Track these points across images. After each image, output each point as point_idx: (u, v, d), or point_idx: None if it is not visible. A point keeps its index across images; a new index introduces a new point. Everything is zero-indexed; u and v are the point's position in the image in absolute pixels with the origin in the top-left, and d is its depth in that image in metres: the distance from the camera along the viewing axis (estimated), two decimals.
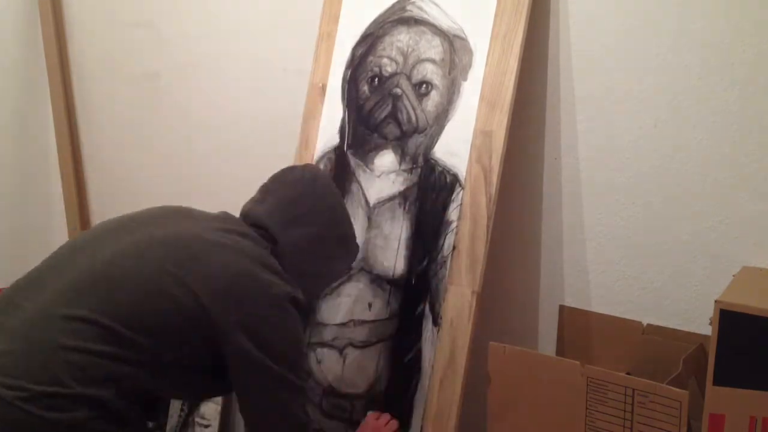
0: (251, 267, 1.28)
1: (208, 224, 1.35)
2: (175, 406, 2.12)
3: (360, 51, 1.71)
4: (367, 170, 1.68)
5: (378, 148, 1.66)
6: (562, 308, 1.60)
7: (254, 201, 1.46)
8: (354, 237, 1.51)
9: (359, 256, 1.66)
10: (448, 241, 1.56)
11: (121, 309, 1.21)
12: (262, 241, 1.36)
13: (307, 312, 1.46)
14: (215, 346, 1.25)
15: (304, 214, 1.41)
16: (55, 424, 1.14)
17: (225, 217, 1.41)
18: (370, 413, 1.59)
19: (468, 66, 1.58)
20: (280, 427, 1.31)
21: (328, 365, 1.67)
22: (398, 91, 1.65)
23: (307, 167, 1.55)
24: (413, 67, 1.64)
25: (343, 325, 1.67)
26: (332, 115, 1.74)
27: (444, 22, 1.62)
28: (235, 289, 1.25)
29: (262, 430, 1.32)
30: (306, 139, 1.77)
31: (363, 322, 1.64)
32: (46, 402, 1.14)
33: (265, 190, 1.47)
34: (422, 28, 1.64)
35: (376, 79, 1.68)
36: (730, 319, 1.13)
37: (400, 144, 1.64)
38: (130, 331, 1.19)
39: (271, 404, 1.29)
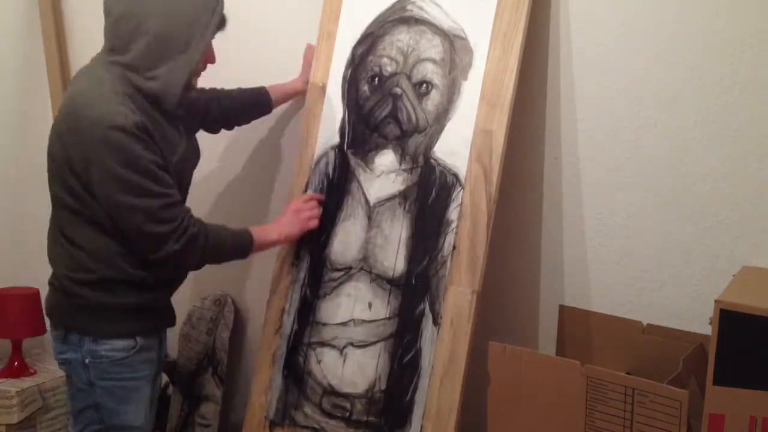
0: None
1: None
2: (175, 407, 2.12)
3: (360, 50, 1.71)
4: (367, 170, 1.67)
5: (378, 148, 1.66)
6: (562, 308, 1.60)
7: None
8: None
9: (359, 255, 1.65)
10: (448, 240, 1.56)
11: None
12: (117, 76, 1.46)
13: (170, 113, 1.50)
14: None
15: (136, 28, 1.45)
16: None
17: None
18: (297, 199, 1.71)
19: (468, 65, 1.58)
20: (144, 245, 1.46)
21: (328, 365, 1.67)
22: (398, 90, 1.65)
23: None
24: (413, 66, 1.64)
25: (343, 324, 1.67)
26: (332, 114, 1.73)
27: (444, 22, 1.62)
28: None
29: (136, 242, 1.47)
30: (306, 138, 1.77)
31: (363, 322, 1.64)
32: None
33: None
34: (422, 27, 1.64)
35: (377, 79, 1.68)
36: (730, 319, 1.13)
37: (400, 143, 1.64)
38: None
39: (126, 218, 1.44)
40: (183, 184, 1.57)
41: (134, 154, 1.39)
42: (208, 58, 1.56)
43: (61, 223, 1.51)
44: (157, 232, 1.43)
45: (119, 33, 1.48)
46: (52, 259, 1.54)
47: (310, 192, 1.73)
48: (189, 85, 1.52)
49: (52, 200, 1.53)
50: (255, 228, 1.60)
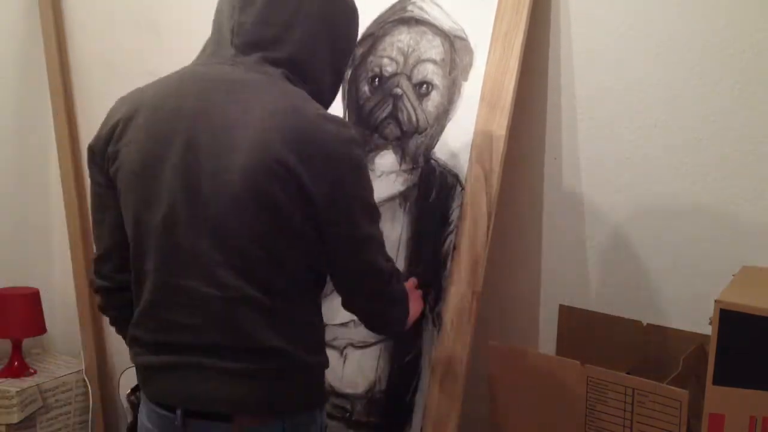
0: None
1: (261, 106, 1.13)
2: None
3: (360, 51, 1.71)
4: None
5: (378, 149, 1.67)
6: (562, 308, 1.60)
7: (247, 29, 1.20)
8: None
9: None
10: (449, 241, 1.56)
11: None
12: (293, 81, 1.19)
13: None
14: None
15: (293, 21, 1.19)
16: None
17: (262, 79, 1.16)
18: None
19: (468, 66, 1.58)
20: (369, 282, 1.22)
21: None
22: (399, 91, 1.65)
23: None
24: (414, 67, 1.64)
25: (343, 325, 1.67)
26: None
27: (445, 23, 1.62)
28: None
29: (356, 290, 1.24)
30: None
31: None
32: None
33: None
34: (423, 28, 1.64)
35: (377, 79, 1.68)
36: (730, 319, 1.13)
37: (400, 144, 1.65)
38: None
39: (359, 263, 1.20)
40: None
41: (368, 174, 1.18)
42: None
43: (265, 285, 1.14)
44: (390, 268, 1.22)
45: (272, 20, 1.18)
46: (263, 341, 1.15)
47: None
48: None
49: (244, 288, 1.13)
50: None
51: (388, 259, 1.24)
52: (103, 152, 1.21)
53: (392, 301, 1.26)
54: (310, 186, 1.09)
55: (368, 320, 1.30)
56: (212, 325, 1.14)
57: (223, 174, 1.10)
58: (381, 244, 1.21)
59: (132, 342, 1.25)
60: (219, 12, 1.29)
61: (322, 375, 1.29)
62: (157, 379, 1.21)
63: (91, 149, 1.24)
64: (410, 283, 1.49)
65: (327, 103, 1.28)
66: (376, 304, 1.25)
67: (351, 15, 1.30)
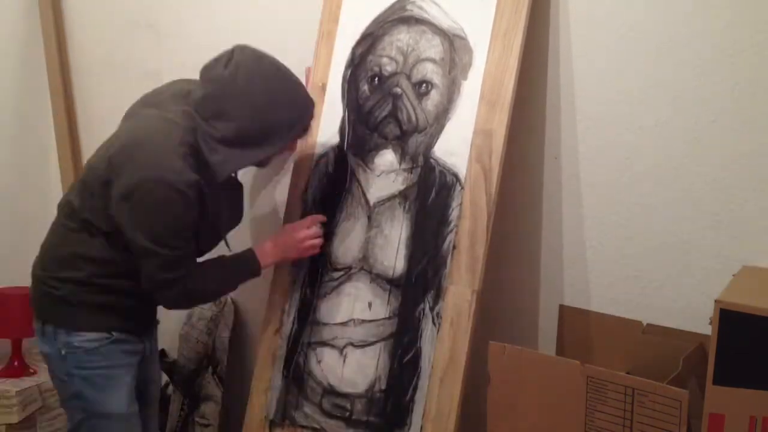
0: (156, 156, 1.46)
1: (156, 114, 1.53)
2: (175, 407, 2.12)
3: (360, 50, 1.71)
4: (367, 170, 1.67)
5: (378, 148, 1.66)
6: (562, 308, 1.60)
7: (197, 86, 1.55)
8: (291, 111, 1.51)
9: (359, 255, 1.66)
10: (448, 240, 1.56)
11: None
12: (189, 128, 1.49)
13: (219, 183, 1.52)
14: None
15: (223, 110, 1.47)
16: None
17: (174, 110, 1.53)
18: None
19: (468, 65, 1.58)
20: (150, 286, 1.52)
21: (328, 365, 1.67)
22: (398, 90, 1.65)
23: (233, 58, 1.50)
24: (413, 66, 1.64)
25: (343, 324, 1.67)
26: (332, 114, 1.73)
27: (444, 22, 1.62)
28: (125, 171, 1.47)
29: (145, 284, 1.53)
30: (306, 138, 1.76)
31: (363, 322, 1.64)
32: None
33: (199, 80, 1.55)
34: (422, 27, 1.64)
35: (376, 79, 1.68)
36: (730, 319, 1.13)
37: (400, 143, 1.64)
38: None
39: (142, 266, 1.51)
40: (213, 238, 1.62)
41: (174, 212, 1.45)
42: (287, 148, 1.66)
43: (69, 227, 1.57)
44: (164, 278, 1.50)
45: (206, 102, 1.49)
46: (47, 253, 1.61)
47: (310, 192, 1.74)
48: (255, 164, 1.61)
49: (66, 205, 1.60)
50: (256, 250, 1.63)
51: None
52: None
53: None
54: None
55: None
56: None
57: None
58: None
59: None
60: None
61: None
62: None
63: None
64: (297, 232, 1.66)
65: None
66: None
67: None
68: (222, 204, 1.57)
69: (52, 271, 1.57)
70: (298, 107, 1.52)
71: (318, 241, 1.66)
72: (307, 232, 1.65)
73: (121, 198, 1.45)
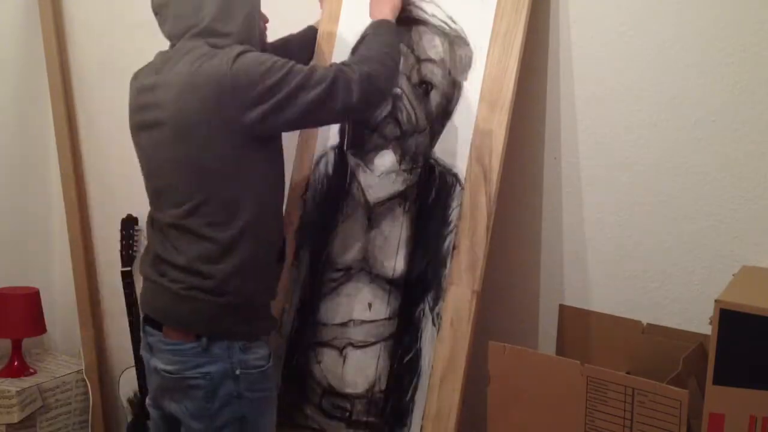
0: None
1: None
2: None
3: None
4: (367, 170, 1.68)
5: (378, 148, 1.67)
6: (562, 308, 1.60)
7: (162, 25, 1.52)
8: None
9: (359, 255, 1.66)
10: (448, 240, 1.56)
11: None
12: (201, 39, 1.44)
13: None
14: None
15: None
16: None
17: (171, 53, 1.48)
18: None
19: (468, 66, 1.58)
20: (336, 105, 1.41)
21: (328, 365, 1.67)
22: (398, 90, 1.65)
23: None
24: (413, 66, 1.64)
25: (342, 325, 1.67)
26: None
27: (444, 22, 1.62)
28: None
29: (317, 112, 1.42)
30: (306, 138, 1.77)
31: (363, 322, 1.64)
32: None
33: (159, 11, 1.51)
34: (422, 28, 1.64)
35: None
36: (730, 319, 1.13)
37: (400, 144, 1.64)
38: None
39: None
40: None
41: (263, 58, 1.38)
42: (262, 15, 1.59)
43: (184, 213, 1.41)
44: (329, 86, 1.38)
45: (182, 11, 1.46)
46: (169, 253, 1.44)
47: (310, 193, 1.74)
48: (262, 36, 1.56)
49: (165, 196, 1.46)
50: (375, 20, 1.56)
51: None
52: None
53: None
54: None
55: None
56: None
57: None
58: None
59: None
60: None
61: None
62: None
63: None
64: None
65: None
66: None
67: None
68: None
69: (198, 269, 1.40)
70: None
71: None
72: None
73: (231, 104, 1.35)
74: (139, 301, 1.74)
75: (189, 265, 1.41)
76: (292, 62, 1.40)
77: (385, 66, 1.46)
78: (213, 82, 1.36)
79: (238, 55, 1.38)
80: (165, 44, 1.53)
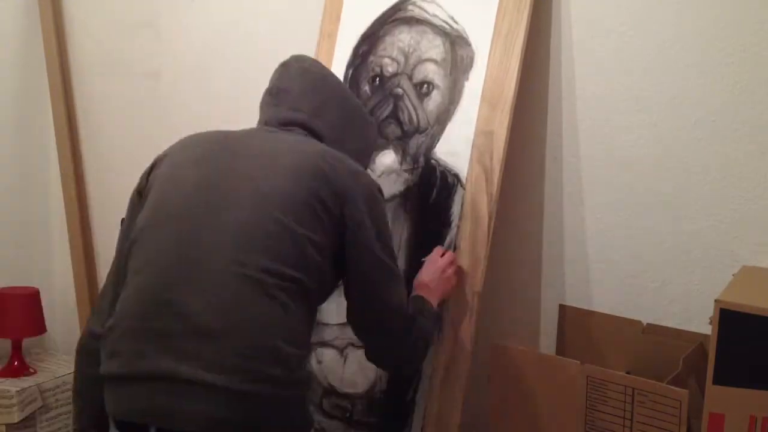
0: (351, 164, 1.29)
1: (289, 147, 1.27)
2: None
3: (361, 51, 1.71)
4: (368, 170, 1.68)
5: (379, 148, 1.66)
6: (562, 308, 1.60)
7: (273, 105, 1.38)
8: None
9: None
10: (449, 241, 1.56)
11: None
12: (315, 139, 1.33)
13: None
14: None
15: (324, 101, 1.37)
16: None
17: (280, 134, 1.32)
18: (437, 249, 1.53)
19: (469, 66, 1.58)
20: (387, 318, 1.29)
21: (328, 365, 1.67)
22: (399, 91, 1.65)
23: (298, 59, 1.44)
24: (414, 67, 1.64)
25: (343, 325, 1.66)
26: None
27: (445, 22, 1.62)
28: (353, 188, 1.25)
29: (370, 323, 1.31)
30: None
31: None
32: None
33: (275, 93, 1.39)
34: (424, 27, 1.64)
35: (378, 79, 1.68)
36: (729, 319, 1.14)
37: (401, 144, 1.65)
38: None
39: (380, 296, 1.28)
40: None
41: (388, 226, 1.30)
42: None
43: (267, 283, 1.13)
44: (402, 322, 1.29)
45: (305, 101, 1.36)
46: (237, 329, 1.10)
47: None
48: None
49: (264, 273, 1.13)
50: (425, 298, 1.42)
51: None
52: None
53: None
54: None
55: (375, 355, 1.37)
56: None
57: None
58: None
59: None
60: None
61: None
62: None
63: None
64: (443, 260, 1.49)
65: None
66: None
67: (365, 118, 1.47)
68: None
69: (284, 351, 1.12)
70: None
71: (454, 267, 1.50)
72: (445, 260, 1.48)
73: (363, 204, 1.23)
74: None
75: None
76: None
77: (417, 359, 1.40)
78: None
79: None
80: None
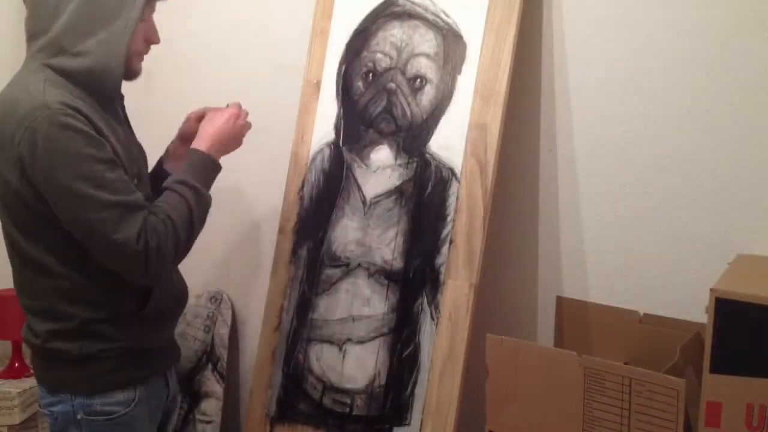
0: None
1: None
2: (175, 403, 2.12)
3: (354, 46, 1.71)
4: (363, 166, 1.68)
5: (373, 144, 1.67)
6: (559, 299, 1.60)
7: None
8: None
9: (356, 251, 1.66)
10: (445, 234, 1.56)
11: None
12: (38, 65, 1.33)
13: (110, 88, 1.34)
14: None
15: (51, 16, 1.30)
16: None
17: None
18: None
19: (462, 59, 1.58)
20: (103, 249, 1.24)
21: (327, 361, 1.67)
22: (393, 86, 1.65)
23: None
24: (407, 61, 1.64)
25: (341, 320, 1.67)
26: (327, 111, 1.74)
27: (437, 16, 1.62)
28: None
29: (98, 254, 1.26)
30: (301, 135, 1.77)
31: (361, 318, 1.65)
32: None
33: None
34: (415, 22, 1.64)
35: (371, 75, 1.68)
36: (725, 307, 1.14)
37: (395, 139, 1.65)
38: None
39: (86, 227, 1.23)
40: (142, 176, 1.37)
41: (76, 152, 1.19)
42: (149, 33, 1.38)
43: (22, 264, 1.35)
44: (123, 239, 1.21)
45: (38, 18, 1.31)
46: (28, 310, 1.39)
47: (306, 190, 1.73)
48: (131, 62, 1.33)
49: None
50: (203, 151, 1.38)
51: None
52: None
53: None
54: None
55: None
56: None
57: None
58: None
59: None
60: None
61: None
62: None
63: None
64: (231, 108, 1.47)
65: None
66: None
67: None
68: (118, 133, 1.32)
69: (40, 330, 1.37)
70: None
71: (243, 117, 1.47)
72: (231, 110, 1.46)
73: (29, 158, 1.19)
74: None
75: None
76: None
77: (179, 242, 1.30)
78: None
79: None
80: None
